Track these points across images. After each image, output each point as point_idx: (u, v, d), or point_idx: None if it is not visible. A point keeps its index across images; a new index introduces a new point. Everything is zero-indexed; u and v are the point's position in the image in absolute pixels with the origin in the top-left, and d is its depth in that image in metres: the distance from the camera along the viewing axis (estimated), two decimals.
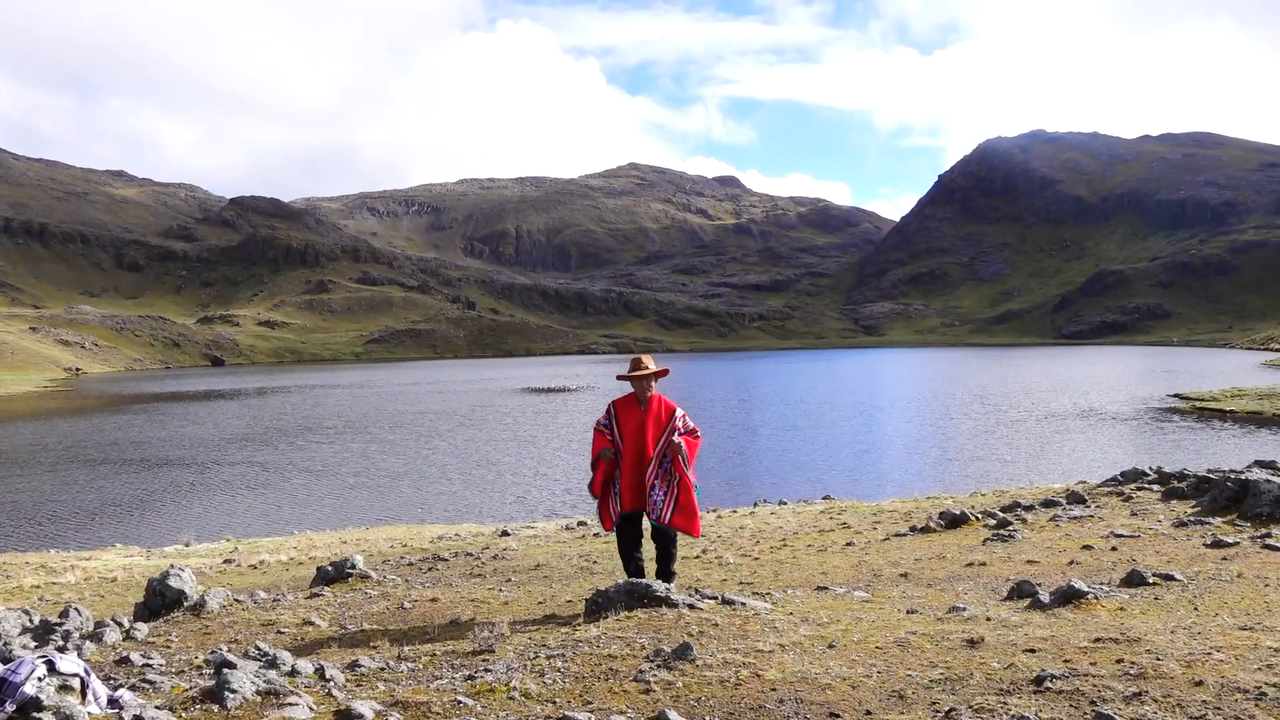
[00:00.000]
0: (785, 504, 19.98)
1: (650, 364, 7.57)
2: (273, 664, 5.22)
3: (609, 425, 7.51)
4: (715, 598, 6.66)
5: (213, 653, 5.75)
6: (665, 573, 7.42)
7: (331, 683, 4.99)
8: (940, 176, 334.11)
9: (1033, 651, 4.97)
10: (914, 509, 14.76)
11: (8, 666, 4.42)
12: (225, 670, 4.76)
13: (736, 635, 5.59)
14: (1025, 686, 4.38)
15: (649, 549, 7.81)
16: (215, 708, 4.44)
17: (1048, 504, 12.19)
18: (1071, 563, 8.30)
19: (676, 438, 7.36)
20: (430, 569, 10.81)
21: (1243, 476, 10.29)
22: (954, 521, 11.40)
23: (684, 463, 7.34)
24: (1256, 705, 3.97)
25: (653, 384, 7.52)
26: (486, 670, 5.14)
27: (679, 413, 7.51)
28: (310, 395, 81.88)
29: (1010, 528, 10.49)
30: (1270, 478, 9.91)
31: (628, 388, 7.62)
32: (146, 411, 66.16)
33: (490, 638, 5.81)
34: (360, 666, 5.36)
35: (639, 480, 7.32)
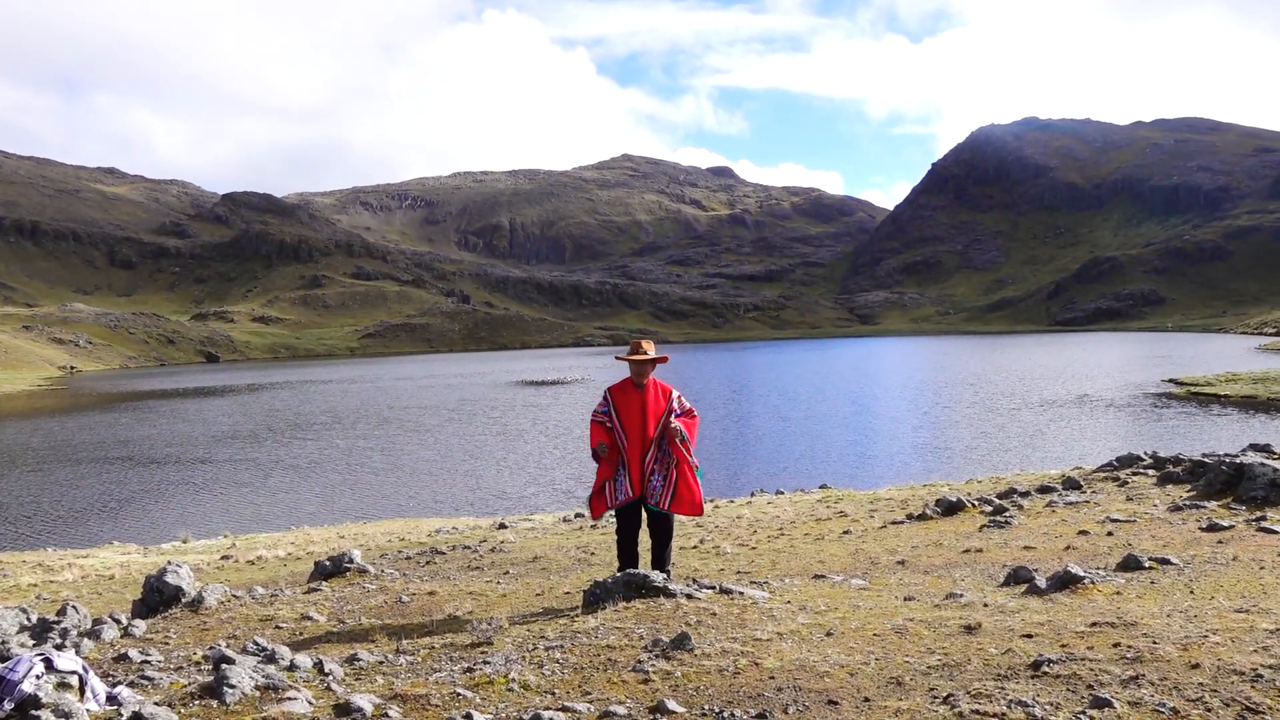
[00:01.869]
0: (782, 493, 20.02)
1: (650, 349, 7.50)
2: (271, 659, 5.22)
3: (607, 413, 7.34)
4: (713, 587, 6.66)
5: (211, 649, 5.75)
6: (660, 563, 7.39)
7: (330, 677, 4.99)
8: (933, 165, 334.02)
9: (1030, 637, 4.98)
10: (910, 496, 14.79)
11: (6, 664, 4.42)
12: (224, 666, 4.76)
13: (734, 624, 5.60)
14: (1023, 671, 4.39)
15: (643, 543, 7.77)
16: (214, 703, 4.44)
17: (1044, 490, 12.23)
18: (1068, 548, 8.33)
19: (674, 421, 7.25)
20: (428, 563, 10.81)
21: (1237, 460, 10.32)
22: (950, 509, 11.42)
23: (684, 446, 7.23)
24: (1253, 687, 3.98)
25: (650, 369, 7.45)
26: (485, 662, 5.14)
27: (675, 394, 7.41)
28: (304, 391, 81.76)
29: (1006, 514, 10.51)
30: (1265, 461, 9.94)
31: (624, 372, 7.55)
32: (141, 409, 66.03)
33: (488, 630, 5.82)
34: (359, 660, 5.37)
35: (641, 466, 7.21)
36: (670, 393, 7.40)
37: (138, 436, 47.77)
